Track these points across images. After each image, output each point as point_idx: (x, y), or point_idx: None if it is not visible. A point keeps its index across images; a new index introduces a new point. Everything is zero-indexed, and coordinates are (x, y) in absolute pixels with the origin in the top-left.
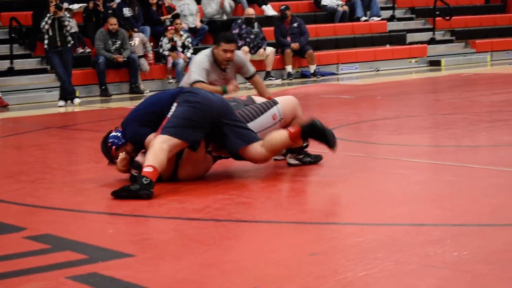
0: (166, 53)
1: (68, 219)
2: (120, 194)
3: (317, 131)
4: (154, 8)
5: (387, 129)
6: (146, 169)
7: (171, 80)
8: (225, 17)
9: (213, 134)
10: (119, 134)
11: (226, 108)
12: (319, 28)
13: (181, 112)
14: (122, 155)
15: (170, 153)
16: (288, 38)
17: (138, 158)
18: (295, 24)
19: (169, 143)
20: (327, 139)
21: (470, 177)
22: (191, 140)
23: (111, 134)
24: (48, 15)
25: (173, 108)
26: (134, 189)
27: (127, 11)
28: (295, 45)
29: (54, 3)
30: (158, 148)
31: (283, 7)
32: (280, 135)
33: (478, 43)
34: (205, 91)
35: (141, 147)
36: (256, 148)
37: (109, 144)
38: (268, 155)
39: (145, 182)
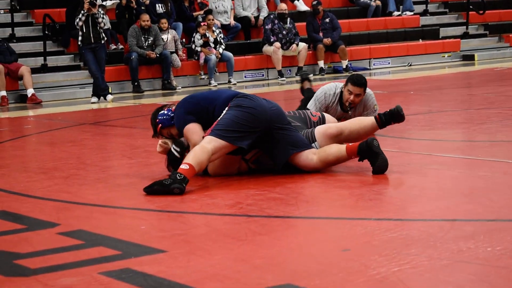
0: (199, 49)
1: (101, 215)
2: (152, 188)
3: (371, 152)
4: (187, 4)
5: (420, 124)
6: (182, 166)
7: (203, 76)
8: (256, 13)
9: (263, 140)
10: (170, 116)
11: (279, 114)
12: (352, 23)
13: (231, 115)
14: (162, 142)
15: (215, 154)
16: (321, 34)
17: (183, 139)
18: (327, 20)
19: (214, 144)
20: (376, 163)
21: (505, 172)
22: (238, 143)
23: (163, 111)
24: (82, 12)
25: (225, 111)
26: (167, 183)
27: (159, 7)
28: (327, 40)
29: (88, 0)
30: (200, 147)
31: (315, 2)
32: (338, 150)
33: None
34: (257, 97)
35: (181, 132)
36: (308, 154)
37: (158, 120)
38: (319, 164)
39: (179, 178)
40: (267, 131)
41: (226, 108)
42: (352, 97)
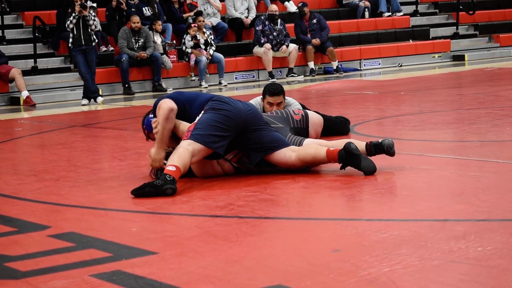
0: (189, 50)
1: (92, 217)
2: (144, 190)
3: (351, 156)
4: (176, 6)
5: (410, 124)
6: (169, 168)
7: (193, 78)
8: (247, 14)
9: (238, 141)
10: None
11: (254, 115)
12: (342, 24)
13: (208, 118)
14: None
15: (195, 157)
16: (308, 35)
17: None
18: (314, 20)
19: (194, 146)
20: (361, 164)
21: (495, 172)
22: (216, 147)
23: (148, 117)
24: (73, 14)
25: (200, 114)
26: (158, 184)
27: (146, 10)
28: (316, 41)
29: (79, 2)
30: (183, 150)
31: (300, 4)
32: (317, 151)
33: (501, 37)
34: (233, 99)
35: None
36: (286, 152)
37: (144, 126)
38: (297, 162)
39: (169, 179)
40: (242, 132)
41: (202, 112)
42: (274, 108)
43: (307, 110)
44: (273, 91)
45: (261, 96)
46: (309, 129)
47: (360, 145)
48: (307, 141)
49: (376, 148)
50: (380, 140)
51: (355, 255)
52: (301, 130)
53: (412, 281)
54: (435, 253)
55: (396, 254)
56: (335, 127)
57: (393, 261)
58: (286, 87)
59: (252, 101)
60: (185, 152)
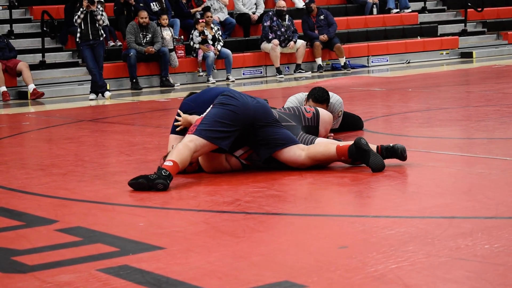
0: (197, 46)
1: (99, 212)
2: (138, 180)
3: (361, 151)
4: (184, 1)
5: (418, 121)
6: (166, 163)
7: (201, 73)
8: (255, 9)
9: (247, 137)
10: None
11: (263, 111)
12: (350, 20)
13: (213, 114)
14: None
15: (196, 153)
16: (316, 31)
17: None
18: (322, 17)
19: (196, 142)
20: (369, 161)
21: (503, 169)
22: (219, 143)
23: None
24: (81, 9)
25: (208, 109)
26: (152, 177)
27: (154, 5)
28: (323, 37)
29: None
30: (183, 145)
31: (307, 0)
32: (327, 149)
33: (510, 35)
34: (244, 94)
35: None
36: (295, 150)
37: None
38: (307, 161)
39: (164, 174)
40: (250, 128)
41: (211, 106)
42: None
43: (318, 108)
44: (318, 98)
45: (306, 94)
46: (320, 127)
47: (371, 146)
48: (318, 140)
49: (388, 151)
50: (391, 144)
51: (362, 251)
52: (312, 128)
53: (419, 278)
54: (442, 250)
55: (403, 251)
56: (353, 122)
57: (400, 258)
58: (293, 83)
59: (294, 96)
60: (185, 148)
